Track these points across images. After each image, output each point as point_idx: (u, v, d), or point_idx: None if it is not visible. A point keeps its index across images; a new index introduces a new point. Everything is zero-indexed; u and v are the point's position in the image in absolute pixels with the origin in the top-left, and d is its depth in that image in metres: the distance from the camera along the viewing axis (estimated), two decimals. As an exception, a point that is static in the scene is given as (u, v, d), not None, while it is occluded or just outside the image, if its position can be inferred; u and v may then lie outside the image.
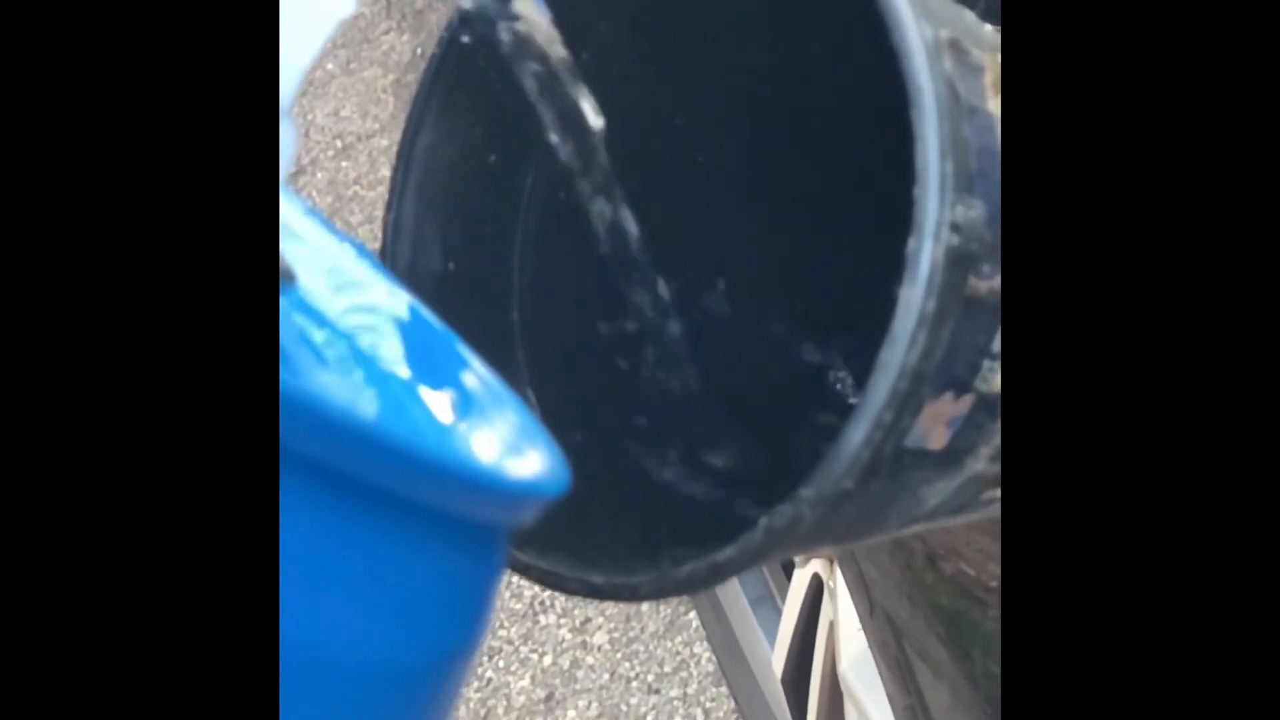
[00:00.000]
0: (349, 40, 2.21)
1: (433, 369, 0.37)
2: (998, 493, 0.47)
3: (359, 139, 2.13)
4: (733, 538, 0.43)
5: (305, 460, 0.29)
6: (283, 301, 0.34)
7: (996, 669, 0.70)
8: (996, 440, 0.45)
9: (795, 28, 0.53)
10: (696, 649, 1.60)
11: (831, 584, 1.09)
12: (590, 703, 1.60)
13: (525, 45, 0.46)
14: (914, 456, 0.43)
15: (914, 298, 0.40)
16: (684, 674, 1.60)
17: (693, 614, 1.59)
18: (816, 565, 1.12)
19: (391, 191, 0.52)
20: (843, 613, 1.07)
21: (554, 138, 0.48)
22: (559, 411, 0.53)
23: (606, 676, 1.61)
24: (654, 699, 1.59)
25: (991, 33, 0.46)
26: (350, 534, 0.31)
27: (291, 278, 0.36)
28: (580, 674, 1.62)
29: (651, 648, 1.62)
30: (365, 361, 0.36)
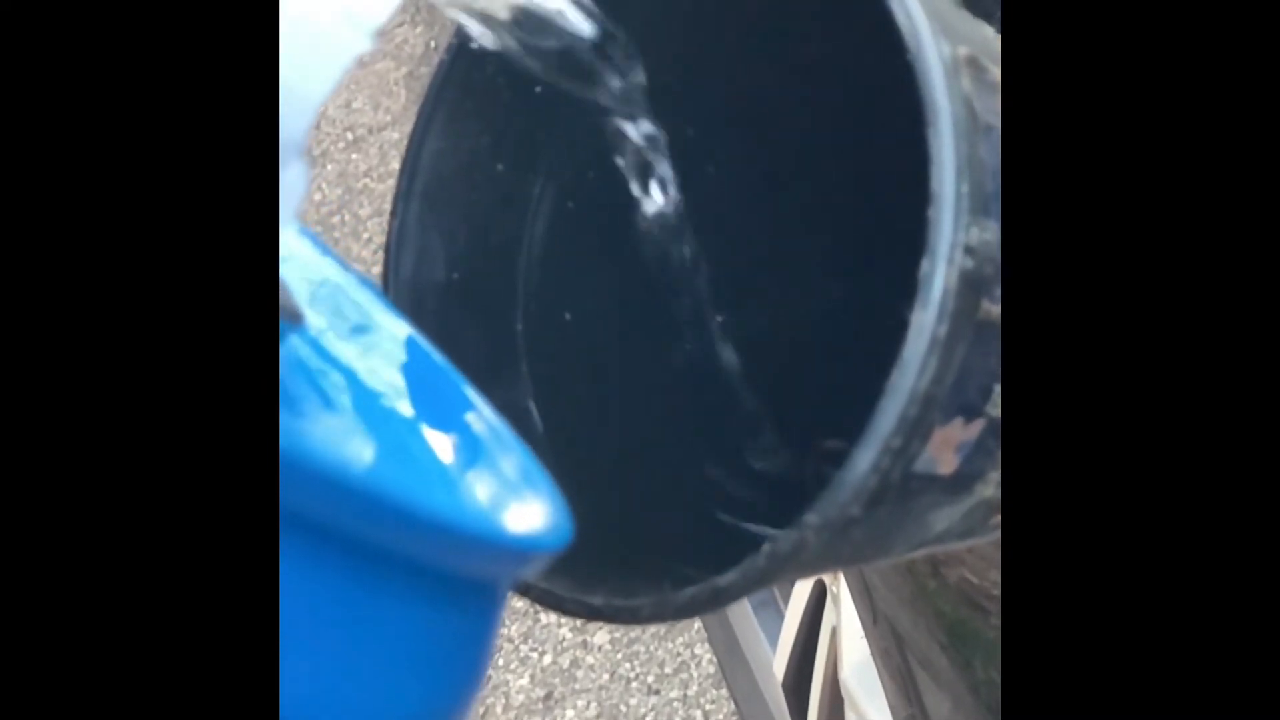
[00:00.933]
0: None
1: (436, 409, 0.37)
2: (1006, 517, 0.47)
3: (370, 131, 2.13)
4: (736, 561, 0.42)
5: (299, 517, 0.29)
6: (288, 340, 0.34)
7: (997, 677, 0.70)
8: (1006, 464, 0.45)
9: (807, 41, 0.53)
10: (697, 650, 1.60)
11: (835, 589, 1.09)
12: (590, 703, 1.59)
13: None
14: (922, 482, 0.42)
15: (926, 321, 0.40)
16: (684, 675, 1.59)
17: (695, 615, 1.59)
18: (820, 571, 1.12)
19: (396, 199, 0.51)
20: (846, 618, 1.06)
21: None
22: (562, 425, 0.52)
23: (606, 676, 1.61)
24: (654, 700, 1.58)
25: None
26: (346, 591, 0.30)
27: (298, 317, 0.35)
28: (580, 673, 1.61)
29: (652, 648, 1.62)
30: (368, 401, 0.35)
